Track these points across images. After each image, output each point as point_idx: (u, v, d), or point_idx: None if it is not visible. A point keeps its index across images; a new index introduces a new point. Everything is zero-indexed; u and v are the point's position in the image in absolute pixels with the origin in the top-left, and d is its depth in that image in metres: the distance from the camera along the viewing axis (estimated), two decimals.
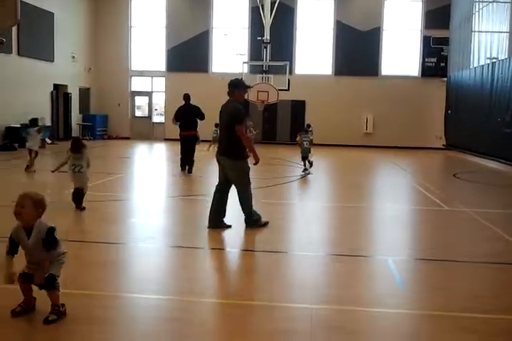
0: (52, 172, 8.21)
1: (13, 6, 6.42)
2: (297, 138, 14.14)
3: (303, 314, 4.26)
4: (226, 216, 7.19)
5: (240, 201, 7.14)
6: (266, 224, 7.19)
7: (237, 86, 7.08)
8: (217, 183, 7.26)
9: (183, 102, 13.33)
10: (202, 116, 13.14)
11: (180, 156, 13.30)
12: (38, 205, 3.86)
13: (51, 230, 3.89)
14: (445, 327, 4.05)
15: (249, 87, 7.13)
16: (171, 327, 3.95)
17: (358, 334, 3.93)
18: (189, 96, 13.34)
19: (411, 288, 5.03)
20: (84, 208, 8.00)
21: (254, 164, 7.12)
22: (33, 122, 14.05)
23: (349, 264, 5.76)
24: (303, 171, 13.70)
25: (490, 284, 5.22)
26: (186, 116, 13.09)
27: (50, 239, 3.88)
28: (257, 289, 4.91)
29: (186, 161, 13.11)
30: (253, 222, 7.15)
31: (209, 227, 7.03)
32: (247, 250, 6.32)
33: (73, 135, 23.73)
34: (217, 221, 7.10)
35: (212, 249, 6.35)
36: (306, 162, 13.78)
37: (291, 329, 3.94)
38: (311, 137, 15.76)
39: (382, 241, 7.04)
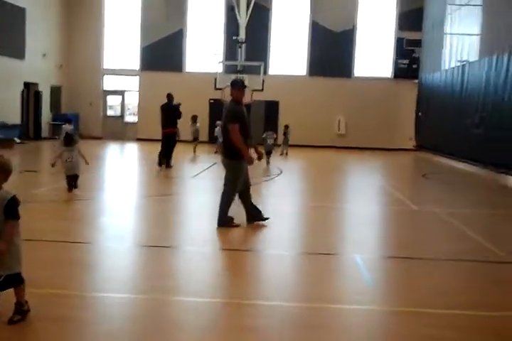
0: (52, 166, 9.35)
1: None
2: (263, 135, 16.46)
3: (272, 311, 4.28)
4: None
5: (220, 200, 7.17)
6: (236, 226, 7.18)
7: (232, 85, 7.25)
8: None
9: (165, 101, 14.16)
10: (179, 115, 14.18)
11: (159, 152, 13.91)
12: (0, 170, 3.69)
13: (14, 198, 3.70)
14: (412, 322, 4.11)
15: (244, 86, 7.29)
16: (139, 326, 3.93)
17: (327, 330, 3.95)
18: (171, 95, 14.21)
19: (379, 285, 5.09)
20: (76, 187, 9.35)
21: (248, 164, 7.14)
22: (68, 120, 16.67)
23: (318, 262, 5.80)
24: (267, 163, 15.58)
25: (457, 281, 5.30)
26: (167, 114, 13.95)
27: (11, 206, 3.67)
28: (226, 287, 4.92)
29: (166, 156, 13.82)
30: (223, 222, 7.14)
31: (248, 222, 7.29)
32: (218, 249, 6.31)
33: (43, 135, 23.46)
34: (257, 216, 7.28)
35: (181, 247, 6.32)
36: (269, 157, 15.73)
37: (261, 326, 3.95)
38: (288, 137, 18.98)
39: (351, 239, 7.09)
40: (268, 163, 15.61)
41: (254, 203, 7.41)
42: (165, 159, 13.83)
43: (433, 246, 6.67)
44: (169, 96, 14.20)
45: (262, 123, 24.86)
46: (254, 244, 6.60)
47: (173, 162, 14.08)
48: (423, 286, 5.04)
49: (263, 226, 7.26)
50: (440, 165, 18.47)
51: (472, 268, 5.77)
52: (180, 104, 14.59)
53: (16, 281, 3.81)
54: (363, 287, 4.93)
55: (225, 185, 7.21)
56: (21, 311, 3.82)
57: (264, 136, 16.40)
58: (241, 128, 6.92)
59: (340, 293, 4.83)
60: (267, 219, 7.33)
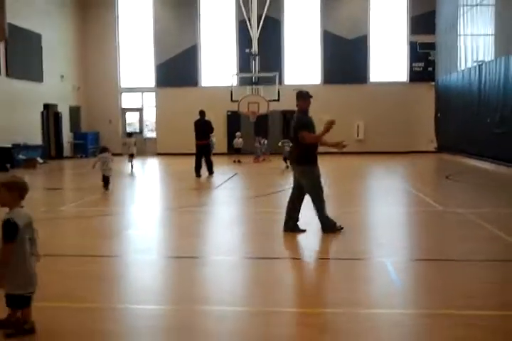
0: (93, 167, 11.93)
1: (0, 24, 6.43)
2: (279, 144, 18.41)
3: (303, 318, 4.26)
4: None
5: (314, 208, 7.31)
6: (341, 229, 7.26)
7: (298, 96, 7.47)
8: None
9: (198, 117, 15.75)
10: (211, 130, 15.79)
11: (194, 164, 15.29)
12: (11, 188, 3.72)
13: (6, 221, 3.66)
14: (444, 324, 4.04)
15: (310, 96, 7.55)
16: (171, 337, 3.93)
17: (360, 335, 3.91)
18: (203, 112, 15.77)
19: (410, 289, 5.04)
20: (108, 189, 11.78)
21: (342, 146, 7.77)
22: (130, 134, 19.39)
23: (347, 267, 5.75)
24: (286, 168, 16.97)
25: (487, 281, 5.20)
26: (200, 128, 15.52)
27: (3, 228, 3.65)
28: (255, 295, 4.88)
29: (200, 167, 15.25)
30: (329, 227, 7.24)
31: (284, 231, 7.32)
32: (244, 257, 6.29)
33: (65, 154, 23.82)
34: (290, 225, 7.35)
35: (208, 257, 6.31)
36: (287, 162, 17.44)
37: (291, 334, 3.93)
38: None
39: (379, 243, 7.01)
40: (288, 167, 16.66)
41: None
42: (200, 169, 15.19)
43: (461, 247, 6.58)
44: (201, 113, 15.75)
45: (280, 132, 24.89)
46: (281, 251, 6.57)
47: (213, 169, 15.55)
48: (453, 288, 4.95)
49: (291, 234, 7.23)
50: (463, 165, 18.28)
51: (501, 268, 5.68)
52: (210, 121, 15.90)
53: (17, 303, 3.77)
54: (393, 291, 4.88)
55: (309, 194, 7.29)
56: (19, 329, 3.76)
57: (280, 144, 18.13)
58: None
59: (371, 297, 4.77)
60: (303, 231, 7.35)
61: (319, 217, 7.30)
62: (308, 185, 7.26)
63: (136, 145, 18.42)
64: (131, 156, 17.62)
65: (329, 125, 7.22)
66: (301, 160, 7.24)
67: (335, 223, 7.31)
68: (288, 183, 13.42)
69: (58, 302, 4.46)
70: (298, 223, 7.41)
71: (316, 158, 7.34)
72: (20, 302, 3.77)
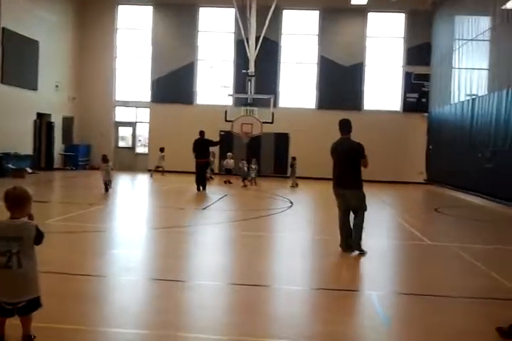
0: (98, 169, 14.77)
1: None
2: (246, 164, 20.18)
3: None
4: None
5: (356, 223, 7.92)
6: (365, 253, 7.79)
7: (350, 125, 8.58)
8: (340, 213, 8.16)
9: (198, 136, 17.07)
10: (212, 144, 17.43)
11: (195, 179, 16.66)
12: None
13: None
14: None
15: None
16: None
17: None
18: (203, 132, 17.09)
19: (395, 324, 4.96)
20: (111, 187, 14.73)
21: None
22: (162, 149, 22.29)
23: (334, 299, 5.68)
24: (243, 186, 19.08)
25: (474, 319, 5.16)
26: (200, 147, 16.83)
27: None
28: (238, 324, 4.79)
29: (200, 182, 16.58)
30: (360, 246, 7.82)
31: (346, 250, 7.92)
32: (232, 283, 6.20)
33: (55, 165, 23.66)
34: (351, 242, 7.94)
35: (192, 281, 6.22)
36: (246, 181, 19.60)
37: None
38: (295, 169, 20.25)
39: (366, 275, 6.97)
40: (245, 186, 19.18)
41: None
42: (200, 184, 16.50)
43: (448, 283, 6.54)
44: (201, 133, 17.01)
45: (272, 155, 24.97)
46: (266, 278, 6.49)
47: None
48: (439, 325, 4.89)
49: (275, 260, 7.15)
50: (452, 198, 18.33)
51: (488, 305, 5.62)
52: (211, 140, 17.43)
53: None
54: (379, 325, 4.81)
55: (359, 211, 7.98)
56: None
57: (247, 163, 20.07)
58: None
59: (355, 331, 4.71)
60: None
61: (359, 236, 7.84)
62: (362, 206, 7.97)
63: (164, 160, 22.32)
64: (159, 167, 21.96)
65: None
66: (359, 184, 7.97)
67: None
68: (276, 207, 13.43)
69: (38, 322, 4.32)
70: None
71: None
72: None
